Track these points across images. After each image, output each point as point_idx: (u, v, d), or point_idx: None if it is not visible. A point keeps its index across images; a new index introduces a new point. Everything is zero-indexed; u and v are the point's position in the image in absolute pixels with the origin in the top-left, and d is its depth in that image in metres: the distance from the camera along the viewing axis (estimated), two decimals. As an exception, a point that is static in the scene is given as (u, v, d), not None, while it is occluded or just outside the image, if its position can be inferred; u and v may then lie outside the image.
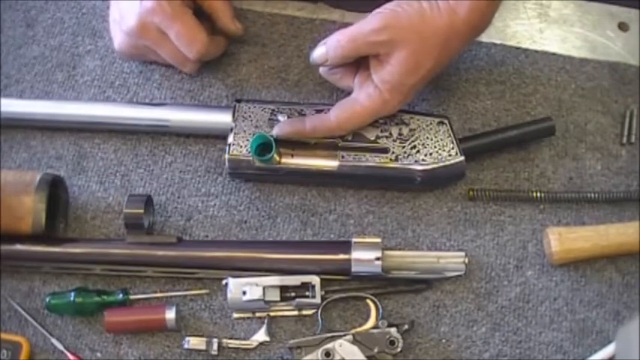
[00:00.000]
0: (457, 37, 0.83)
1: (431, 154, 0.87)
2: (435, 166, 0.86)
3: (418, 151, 0.87)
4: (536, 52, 0.96)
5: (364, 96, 0.85)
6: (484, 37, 0.91)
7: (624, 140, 0.92)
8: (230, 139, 0.88)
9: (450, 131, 0.88)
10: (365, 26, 0.83)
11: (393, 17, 0.82)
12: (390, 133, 0.88)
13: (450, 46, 0.83)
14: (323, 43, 0.85)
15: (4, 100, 0.93)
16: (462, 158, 0.87)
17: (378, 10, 0.83)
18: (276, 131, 0.87)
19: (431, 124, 0.88)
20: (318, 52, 0.85)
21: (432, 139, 0.88)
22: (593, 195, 0.88)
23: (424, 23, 0.81)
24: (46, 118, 0.93)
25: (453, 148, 0.87)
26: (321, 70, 0.89)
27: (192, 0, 0.89)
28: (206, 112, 0.92)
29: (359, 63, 0.86)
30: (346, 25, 0.85)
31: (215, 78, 0.95)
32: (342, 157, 0.87)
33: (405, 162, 0.87)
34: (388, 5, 0.83)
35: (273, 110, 0.89)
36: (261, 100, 0.93)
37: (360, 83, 0.86)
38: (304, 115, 0.89)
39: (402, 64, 0.82)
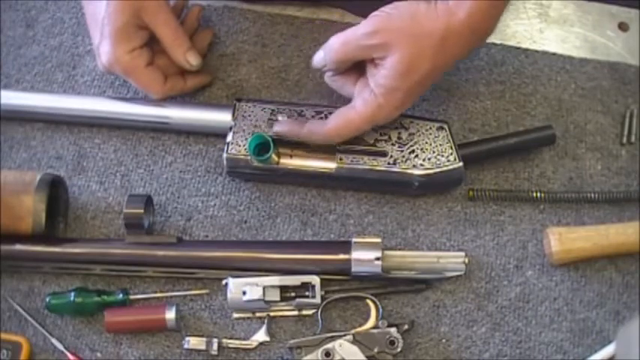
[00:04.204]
0: (455, 39, 0.81)
1: (429, 159, 0.87)
2: (433, 171, 0.86)
3: (417, 156, 0.87)
4: (536, 52, 0.96)
5: (360, 102, 0.84)
6: (484, 38, 0.91)
7: (624, 140, 0.92)
8: (229, 138, 0.88)
9: (450, 137, 0.87)
10: (357, 30, 0.82)
11: (386, 20, 0.81)
12: (389, 137, 0.88)
13: (448, 49, 0.81)
14: (323, 47, 0.85)
15: (4, 92, 0.93)
16: (461, 164, 0.87)
17: (374, 13, 0.82)
18: (275, 128, 0.87)
19: (430, 128, 0.88)
20: (317, 57, 0.85)
21: (431, 144, 0.87)
22: (593, 195, 0.88)
23: (418, 25, 0.80)
24: (45, 112, 0.93)
25: (451, 154, 0.87)
26: (326, 77, 0.89)
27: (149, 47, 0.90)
28: (206, 110, 0.92)
29: (360, 71, 0.85)
30: (346, 25, 0.84)
31: (215, 78, 0.95)
32: (341, 159, 0.87)
33: (404, 166, 0.86)
34: (384, 8, 0.82)
35: (273, 110, 0.89)
36: (262, 99, 0.93)
37: (360, 90, 0.85)
38: (304, 115, 0.89)
39: (395, 67, 0.81)
